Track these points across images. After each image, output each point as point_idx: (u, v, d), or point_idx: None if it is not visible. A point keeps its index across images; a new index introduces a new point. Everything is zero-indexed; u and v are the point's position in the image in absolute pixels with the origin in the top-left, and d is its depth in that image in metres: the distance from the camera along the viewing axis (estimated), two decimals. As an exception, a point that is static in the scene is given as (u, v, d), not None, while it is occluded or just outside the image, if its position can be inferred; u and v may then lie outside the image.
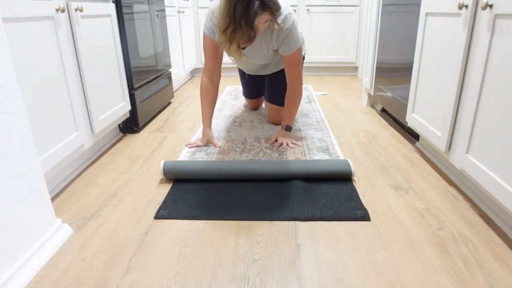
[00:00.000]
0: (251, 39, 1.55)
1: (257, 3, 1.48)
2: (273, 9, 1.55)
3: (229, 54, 1.85)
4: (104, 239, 1.20)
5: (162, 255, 1.11)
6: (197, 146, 1.94)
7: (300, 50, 1.82)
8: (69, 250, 1.15)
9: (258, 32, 1.57)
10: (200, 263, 1.08)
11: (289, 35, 1.74)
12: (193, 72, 4.20)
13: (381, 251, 1.11)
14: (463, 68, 1.36)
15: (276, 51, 1.88)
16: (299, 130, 2.21)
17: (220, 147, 1.93)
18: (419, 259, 1.08)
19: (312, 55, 3.98)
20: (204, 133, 1.97)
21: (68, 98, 1.52)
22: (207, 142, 1.95)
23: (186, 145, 1.96)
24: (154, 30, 2.53)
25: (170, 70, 2.94)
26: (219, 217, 1.29)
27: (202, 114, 1.96)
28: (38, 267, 1.06)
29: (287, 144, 1.91)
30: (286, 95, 1.95)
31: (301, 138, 2.05)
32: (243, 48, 1.75)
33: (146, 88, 2.38)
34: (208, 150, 1.90)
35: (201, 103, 1.95)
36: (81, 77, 1.63)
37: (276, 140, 1.97)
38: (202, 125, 1.99)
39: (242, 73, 2.44)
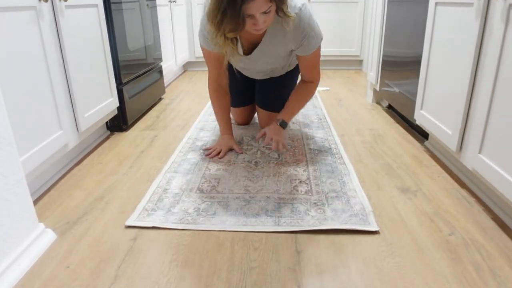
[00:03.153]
0: (237, 29, 1.40)
1: None
2: None
3: (230, 60, 1.77)
4: (90, 245, 1.19)
5: (153, 263, 1.11)
6: (218, 153, 1.80)
7: (319, 49, 1.71)
8: (53, 257, 1.14)
9: (257, 27, 1.43)
10: (193, 271, 1.08)
11: (308, 33, 1.61)
12: (186, 66, 4.20)
13: (388, 258, 1.11)
14: (475, 61, 1.36)
15: (292, 51, 1.75)
16: (299, 129, 2.21)
17: (242, 152, 1.84)
18: (428, 267, 1.08)
19: (314, 48, 3.98)
20: (225, 139, 1.86)
21: (52, 93, 1.52)
22: (228, 148, 1.84)
23: (205, 155, 1.82)
24: (144, 21, 2.52)
25: (161, 64, 2.94)
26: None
27: (220, 121, 1.88)
28: (19, 275, 1.06)
29: (277, 145, 1.71)
30: (297, 90, 1.82)
31: (302, 137, 2.05)
32: (247, 53, 1.69)
33: (135, 83, 2.38)
34: (201, 151, 1.89)
35: (216, 110, 1.88)
36: (65, 71, 1.63)
37: (264, 135, 1.76)
38: (219, 128, 1.92)
39: (231, 78, 2.06)
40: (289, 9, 1.51)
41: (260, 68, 1.89)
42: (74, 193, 1.52)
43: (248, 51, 1.72)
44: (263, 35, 1.64)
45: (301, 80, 1.84)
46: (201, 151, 1.87)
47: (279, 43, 1.66)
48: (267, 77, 2.05)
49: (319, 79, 1.82)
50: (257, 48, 1.69)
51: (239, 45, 1.68)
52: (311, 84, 1.81)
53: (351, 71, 4.05)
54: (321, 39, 1.68)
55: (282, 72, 2.02)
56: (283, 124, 1.78)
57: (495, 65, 1.23)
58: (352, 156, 1.83)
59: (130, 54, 2.29)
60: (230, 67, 1.93)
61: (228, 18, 1.36)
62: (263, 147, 1.92)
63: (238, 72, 2.06)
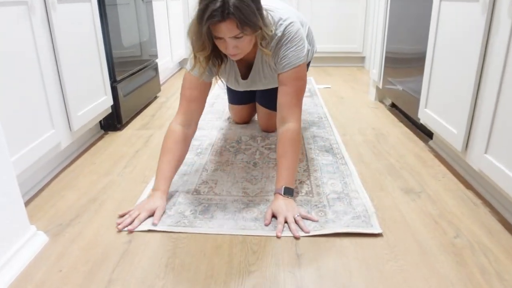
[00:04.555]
0: (203, 49, 1.31)
1: (218, 4, 1.18)
2: (243, 21, 1.21)
3: (231, 86, 1.68)
4: (83, 248, 1.19)
5: (148, 266, 1.11)
6: (132, 221, 1.31)
7: (302, 69, 1.47)
8: (45, 260, 1.14)
9: (228, 50, 1.31)
10: (190, 274, 1.08)
11: (286, 44, 1.43)
12: (182, 63, 4.20)
13: (391, 262, 1.11)
14: (481, 58, 1.36)
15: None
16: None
17: (156, 224, 1.30)
18: (433, 271, 1.08)
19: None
20: (152, 198, 1.38)
21: (43, 91, 1.52)
22: (149, 212, 1.34)
23: (117, 223, 1.31)
24: (139, 17, 2.52)
25: (157, 61, 2.94)
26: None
27: (159, 172, 1.43)
28: (10, 279, 1.06)
29: (295, 221, 1.29)
30: (279, 141, 1.44)
31: (302, 137, 2.05)
32: (245, 77, 1.63)
33: (130, 80, 2.37)
34: (198, 151, 1.89)
35: (162, 156, 1.45)
36: (57, 69, 1.63)
37: (274, 217, 1.33)
38: (155, 177, 1.45)
39: None
40: (273, 27, 1.40)
41: (260, 87, 1.77)
42: (67, 194, 1.52)
43: (245, 75, 1.65)
44: (254, 56, 1.55)
45: (279, 129, 1.46)
46: (183, 175, 1.63)
47: (268, 62, 1.55)
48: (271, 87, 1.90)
49: (299, 120, 1.45)
50: (252, 71, 1.61)
51: (237, 70, 1.62)
52: (290, 129, 1.42)
53: (353, 68, 4.05)
54: (302, 57, 1.45)
55: None
56: (288, 192, 1.37)
57: (502, 61, 1.23)
58: (354, 156, 1.83)
59: (125, 50, 2.29)
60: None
61: (196, 37, 1.28)
62: (262, 147, 1.92)
63: None
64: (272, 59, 1.48)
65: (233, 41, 1.27)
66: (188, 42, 1.40)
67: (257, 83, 1.67)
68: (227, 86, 2.13)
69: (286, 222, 1.28)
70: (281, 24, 1.42)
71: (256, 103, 2.14)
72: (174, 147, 1.46)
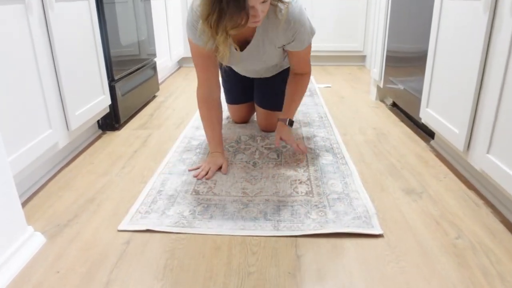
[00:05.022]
0: (242, 23, 1.31)
1: None
2: None
3: (221, 60, 1.61)
4: (81, 249, 1.19)
5: (146, 267, 1.11)
6: (207, 173, 1.63)
7: (310, 44, 1.68)
8: (42, 261, 1.14)
9: (256, 18, 1.35)
10: (188, 276, 1.08)
11: (298, 28, 1.54)
12: (181, 62, 4.20)
13: (392, 263, 1.12)
14: (483, 57, 1.36)
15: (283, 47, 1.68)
16: (299, 127, 2.21)
17: (226, 173, 1.66)
18: (434, 272, 1.08)
19: (314, 42, 3.94)
20: (214, 157, 1.70)
21: (41, 91, 1.52)
22: (217, 166, 1.68)
23: (193, 176, 1.63)
24: (137, 15, 2.52)
25: (155, 59, 2.94)
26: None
27: (210, 138, 1.74)
28: (7, 281, 1.06)
29: (298, 146, 1.76)
30: (290, 84, 1.79)
31: (302, 137, 2.06)
32: (241, 48, 1.62)
33: (128, 79, 2.37)
34: (198, 150, 1.89)
35: (205, 125, 1.74)
36: (55, 68, 1.63)
37: (281, 139, 1.77)
38: (207, 142, 1.77)
39: (228, 73, 2.13)
40: None
41: (255, 66, 1.83)
42: (65, 195, 1.52)
43: (241, 48, 1.65)
44: (254, 31, 1.59)
45: (292, 73, 1.80)
46: (187, 171, 1.68)
47: (271, 39, 1.60)
48: (262, 76, 2.02)
49: (310, 71, 1.80)
50: (249, 44, 1.63)
51: (232, 43, 1.60)
52: (303, 76, 1.78)
53: (353, 67, 4.05)
54: (313, 34, 1.64)
55: (279, 69, 1.99)
56: (291, 123, 1.79)
57: (504, 60, 1.23)
58: (355, 156, 1.83)
59: (123, 49, 2.29)
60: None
61: (231, 12, 1.27)
62: (262, 146, 1.92)
63: (231, 69, 2.04)
64: (285, 36, 1.58)
65: (261, 5, 1.34)
66: (193, 31, 1.50)
67: (254, 57, 1.70)
68: (224, 87, 2.15)
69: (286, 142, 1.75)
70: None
71: (255, 104, 2.14)
72: (210, 114, 1.72)
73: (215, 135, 1.73)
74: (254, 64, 1.77)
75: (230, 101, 2.22)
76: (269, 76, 2.02)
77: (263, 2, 1.33)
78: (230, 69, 2.03)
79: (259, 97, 2.09)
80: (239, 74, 2.08)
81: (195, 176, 1.62)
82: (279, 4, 1.47)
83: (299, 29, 1.55)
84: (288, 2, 1.48)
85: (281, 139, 1.75)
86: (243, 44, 1.63)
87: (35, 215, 1.38)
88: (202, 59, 1.63)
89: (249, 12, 1.30)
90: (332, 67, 4.07)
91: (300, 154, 1.82)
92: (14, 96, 1.36)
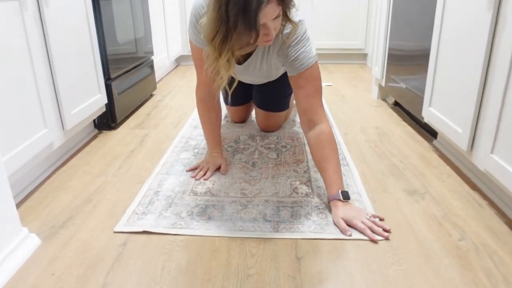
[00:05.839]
0: (250, 43, 1.24)
1: None
2: None
3: (217, 87, 1.47)
4: (77, 251, 1.19)
5: (143, 270, 1.11)
6: (205, 174, 1.63)
7: (317, 68, 1.48)
8: (37, 263, 1.14)
9: (269, 37, 1.24)
10: (186, 278, 1.08)
11: (295, 45, 1.42)
12: (179, 60, 4.19)
13: (394, 265, 1.12)
14: (487, 55, 1.36)
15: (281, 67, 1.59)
16: (299, 127, 2.20)
17: (225, 173, 1.66)
18: (437, 274, 1.08)
19: (315, 40, 3.96)
20: (212, 157, 1.71)
21: (36, 89, 1.52)
22: (216, 166, 1.68)
23: (191, 176, 1.64)
24: (134, 12, 2.52)
25: (152, 57, 2.94)
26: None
27: (209, 139, 1.74)
28: (1, 283, 1.06)
29: (372, 229, 1.27)
30: (314, 146, 1.45)
31: (302, 136, 2.05)
32: (239, 62, 1.59)
33: (125, 78, 2.37)
34: (196, 150, 1.89)
35: (203, 125, 1.73)
36: (50, 66, 1.63)
37: (350, 226, 1.29)
38: (207, 146, 1.77)
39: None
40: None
41: (251, 78, 1.81)
42: (60, 196, 1.52)
43: (241, 61, 1.62)
44: (253, 49, 1.53)
45: (306, 128, 1.49)
46: (185, 172, 1.68)
47: (270, 56, 1.54)
48: (260, 83, 1.96)
49: (327, 119, 1.47)
50: (249, 59, 1.57)
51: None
52: (324, 131, 1.43)
53: (355, 65, 4.05)
54: (313, 56, 1.46)
55: (279, 74, 1.90)
56: (346, 196, 1.35)
57: (509, 59, 1.23)
58: (356, 156, 1.83)
59: (119, 47, 2.28)
60: None
61: (240, 31, 1.17)
62: (261, 146, 1.92)
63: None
64: (278, 58, 1.49)
65: (273, 23, 1.23)
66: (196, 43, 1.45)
67: (251, 71, 1.65)
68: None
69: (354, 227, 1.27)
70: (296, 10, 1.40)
71: (254, 106, 2.13)
72: (209, 115, 1.71)
73: (214, 135, 1.73)
74: (252, 77, 1.76)
75: (228, 103, 2.21)
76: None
77: (275, 18, 1.22)
78: None
79: (258, 99, 2.08)
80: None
81: (193, 177, 1.62)
82: (287, 23, 1.35)
83: (295, 46, 1.43)
84: (296, 24, 1.36)
85: (347, 224, 1.29)
86: (244, 58, 1.60)
87: (30, 216, 1.38)
88: (202, 61, 1.51)
89: (259, 31, 1.18)
90: (333, 65, 4.07)
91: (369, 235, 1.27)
92: (8, 94, 1.35)
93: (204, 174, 1.63)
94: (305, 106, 1.47)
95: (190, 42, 1.57)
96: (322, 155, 1.42)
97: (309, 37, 1.46)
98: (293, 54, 1.43)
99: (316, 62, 1.47)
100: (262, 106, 2.06)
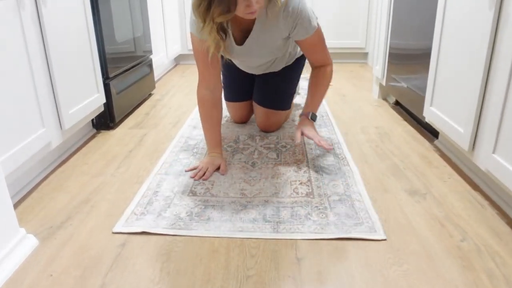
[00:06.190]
0: (228, 10, 1.32)
1: None
2: None
3: (224, 54, 1.68)
4: (75, 252, 1.19)
5: (142, 271, 1.11)
6: (204, 174, 1.63)
7: (319, 29, 1.65)
8: (35, 264, 1.14)
9: (251, 9, 1.35)
10: (185, 279, 1.08)
11: (298, 14, 1.54)
12: (178, 60, 4.19)
13: (395, 266, 1.12)
14: (489, 54, 1.36)
15: (287, 38, 1.69)
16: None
17: (224, 174, 1.66)
18: (438, 275, 1.08)
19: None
20: (212, 157, 1.70)
21: (33, 89, 1.51)
22: (215, 167, 1.68)
23: (191, 176, 1.63)
24: (133, 11, 2.52)
25: (151, 57, 2.94)
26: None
27: (208, 139, 1.73)
28: (-2, 285, 1.06)
29: (320, 141, 1.64)
30: (311, 77, 1.79)
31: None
32: (241, 43, 1.64)
33: (124, 77, 2.37)
34: (195, 150, 1.89)
35: (203, 124, 1.73)
36: (48, 65, 1.62)
37: (303, 135, 1.71)
38: (206, 142, 1.77)
39: (228, 68, 2.11)
40: None
41: (256, 61, 1.85)
42: (58, 196, 1.52)
43: (240, 41, 1.68)
44: (253, 22, 1.59)
45: (313, 68, 1.81)
46: (184, 172, 1.68)
47: (271, 29, 1.61)
48: (267, 71, 2.00)
49: (331, 62, 1.79)
50: (249, 37, 1.65)
51: (231, 36, 1.64)
52: (324, 67, 1.77)
53: (355, 64, 4.05)
54: (316, 19, 1.62)
55: (282, 65, 1.98)
56: (314, 117, 1.77)
57: (511, 57, 1.23)
58: (357, 156, 1.83)
59: (118, 46, 2.28)
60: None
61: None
62: (261, 146, 1.92)
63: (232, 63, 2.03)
64: (283, 27, 1.59)
65: None
66: (188, 23, 1.50)
67: (253, 51, 1.71)
68: (223, 83, 2.13)
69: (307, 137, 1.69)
70: None
71: (253, 102, 2.12)
72: (210, 113, 1.71)
73: (214, 135, 1.73)
74: (254, 58, 1.78)
75: (229, 98, 2.20)
76: (271, 73, 2.01)
77: None
78: (231, 62, 2.02)
79: (258, 94, 2.08)
80: (240, 70, 2.07)
81: (192, 177, 1.62)
82: None
83: (299, 15, 1.55)
84: None
85: (302, 134, 1.71)
86: (243, 39, 1.66)
87: (28, 217, 1.38)
88: (203, 54, 1.60)
89: (238, 0, 1.31)
90: (334, 64, 4.04)
91: (326, 150, 1.83)
92: (5, 94, 1.35)
93: (204, 174, 1.63)
94: (311, 56, 1.76)
95: (191, 35, 1.62)
96: (315, 81, 1.78)
97: (305, 3, 1.58)
98: (297, 23, 1.57)
99: (318, 26, 1.64)
100: (262, 102, 2.05)
